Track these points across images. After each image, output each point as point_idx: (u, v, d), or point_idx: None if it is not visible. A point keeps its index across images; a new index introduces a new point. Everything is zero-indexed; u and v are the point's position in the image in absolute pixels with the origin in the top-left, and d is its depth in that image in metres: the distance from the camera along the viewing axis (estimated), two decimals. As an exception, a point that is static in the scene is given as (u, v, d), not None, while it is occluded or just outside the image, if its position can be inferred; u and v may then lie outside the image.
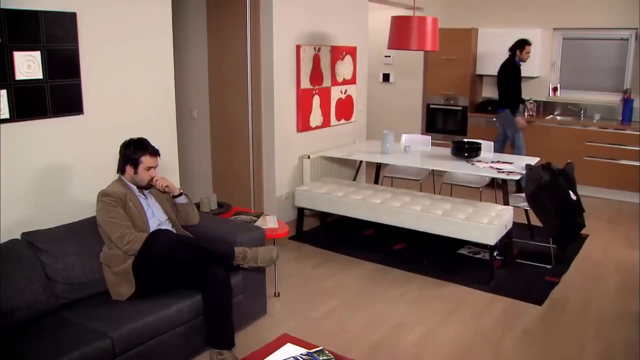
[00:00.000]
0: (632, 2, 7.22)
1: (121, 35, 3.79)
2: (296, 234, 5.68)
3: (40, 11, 3.30)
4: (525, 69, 8.10)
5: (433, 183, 6.64)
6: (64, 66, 3.47)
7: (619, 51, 7.54)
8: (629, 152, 7.01)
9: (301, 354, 2.66)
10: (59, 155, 3.52)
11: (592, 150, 7.22)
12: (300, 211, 5.68)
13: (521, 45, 6.94)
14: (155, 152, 3.52)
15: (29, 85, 3.31)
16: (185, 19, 5.82)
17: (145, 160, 3.46)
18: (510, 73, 7.06)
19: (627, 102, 7.32)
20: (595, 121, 7.44)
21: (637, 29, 7.28)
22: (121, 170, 3.50)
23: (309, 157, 5.88)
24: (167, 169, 4.15)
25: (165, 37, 4.12)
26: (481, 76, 8.49)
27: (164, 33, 4.10)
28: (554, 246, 5.14)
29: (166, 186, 3.60)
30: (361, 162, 6.55)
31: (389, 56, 8.76)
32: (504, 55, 7.20)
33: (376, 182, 6.52)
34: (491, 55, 8.07)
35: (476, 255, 5.21)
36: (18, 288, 3.00)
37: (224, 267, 3.41)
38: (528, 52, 6.95)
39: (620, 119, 7.41)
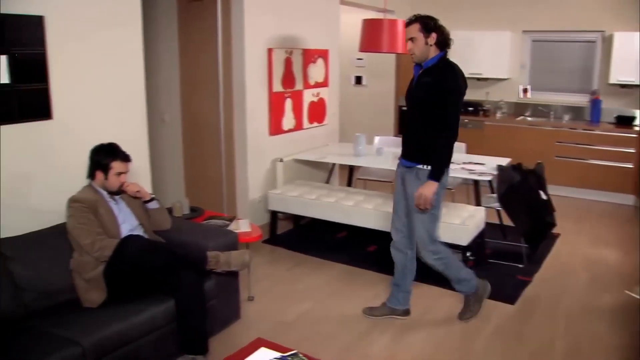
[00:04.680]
0: (599, 6, 7.37)
1: (91, 39, 3.75)
2: (270, 237, 5.67)
3: (6, 14, 3.24)
4: (495, 71, 8.18)
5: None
6: (31, 70, 3.42)
7: (586, 53, 7.68)
8: (597, 152, 7.13)
9: (275, 358, 2.66)
10: (27, 160, 3.47)
11: (562, 150, 7.33)
12: (274, 214, 5.67)
13: None
14: (126, 158, 3.48)
15: (-4, 89, 3.25)
16: (156, 22, 5.76)
17: (116, 165, 3.42)
18: None
19: (594, 103, 7.46)
20: (564, 122, 7.57)
21: (603, 31, 7.42)
22: (91, 176, 3.46)
23: (281, 160, 5.87)
24: (139, 174, 4.10)
25: (136, 41, 4.09)
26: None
27: (133, 37, 4.07)
28: (526, 245, 5.20)
29: (137, 191, 3.57)
30: (334, 164, 6.57)
31: (361, 59, 8.77)
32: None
33: (349, 184, 6.53)
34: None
35: (449, 256, 5.22)
36: (-15, 297, 2.94)
37: (197, 272, 3.38)
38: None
39: (589, 119, 7.54)
